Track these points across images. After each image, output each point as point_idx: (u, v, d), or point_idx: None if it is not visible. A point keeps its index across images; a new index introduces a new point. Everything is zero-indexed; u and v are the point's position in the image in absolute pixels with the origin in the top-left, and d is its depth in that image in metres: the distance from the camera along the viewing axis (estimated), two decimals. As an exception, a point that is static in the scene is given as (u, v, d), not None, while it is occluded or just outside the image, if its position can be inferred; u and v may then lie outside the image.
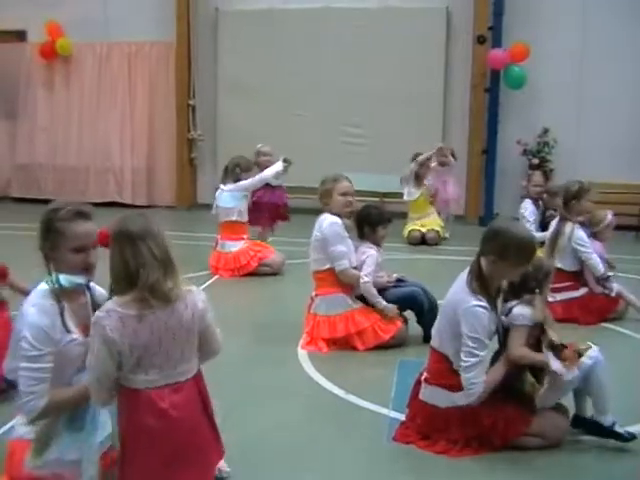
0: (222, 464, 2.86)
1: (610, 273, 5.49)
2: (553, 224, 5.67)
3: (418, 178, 8.44)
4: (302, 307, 4.96)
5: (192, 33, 11.07)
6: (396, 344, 4.70)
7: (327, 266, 4.76)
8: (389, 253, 5.41)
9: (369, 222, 4.86)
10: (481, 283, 3.19)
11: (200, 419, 2.57)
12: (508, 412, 3.20)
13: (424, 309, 4.76)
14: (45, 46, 11.28)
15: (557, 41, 9.77)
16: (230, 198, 6.88)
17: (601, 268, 5.41)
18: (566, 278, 5.35)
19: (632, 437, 3.25)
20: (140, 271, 2.40)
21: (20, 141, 11.91)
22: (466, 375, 3.14)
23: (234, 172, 6.92)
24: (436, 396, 3.29)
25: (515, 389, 3.25)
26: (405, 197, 8.59)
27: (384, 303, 4.72)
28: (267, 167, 7.07)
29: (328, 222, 4.74)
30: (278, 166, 6.94)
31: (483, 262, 3.22)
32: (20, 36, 11.89)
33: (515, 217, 6.57)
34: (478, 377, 3.13)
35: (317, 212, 4.96)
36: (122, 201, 11.47)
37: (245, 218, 6.99)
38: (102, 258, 2.62)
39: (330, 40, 10.44)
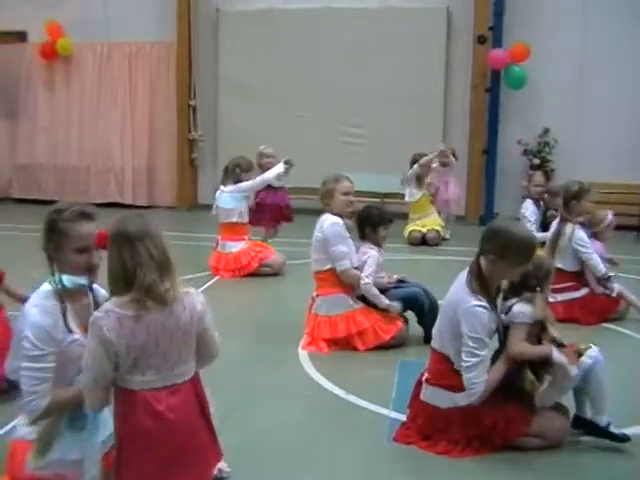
0: (222, 464, 2.86)
1: (611, 273, 5.49)
2: (554, 224, 5.67)
3: (419, 179, 8.44)
4: (303, 307, 4.96)
5: (193, 33, 11.08)
6: (397, 344, 4.71)
7: (328, 266, 4.76)
8: (389, 254, 5.40)
9: (370, 223, 4.87)
10: (481, 283, 3.19)
11: (197, 421, 2.56)
12: (509, 412, 3.20)
13: (425, 309, 4.76)
14: (45, 46, 11.29)
15: (557, 41, 9.77)
16: (230, 199, 6.88)
17: (602, 268, 5.41)
18: (567, 278, 5.36)
19: (626, 438, 3.26)
20: (137, 271, 2.40)
21: (21, 141, 11.91)
22: (467, 375, 3.14)
23: (234, 173, 6.91)
24: (437, 397, 3.30)
25: (515, 387, 3.25)
26: (407, 198, 8.59)
27: (387, 301, 4.72)
28: (269, 169, 7.07)
29: (329, 222, 4.74)
30: (279, 168, 6.94)
31: (483, 262, 3.22)
32: (20, 36, 11.88)
33: (515, 217, 6.57)
34: (479, 377, 3.13)
35: (317, 212, 4.96)
36: (123, 201, 11.46)
37: (246, 219, 6.99)
38: (104, 260, 2.62)
39: (330, 40, 10.44)
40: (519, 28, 9.84)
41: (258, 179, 6.98)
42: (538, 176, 7.31)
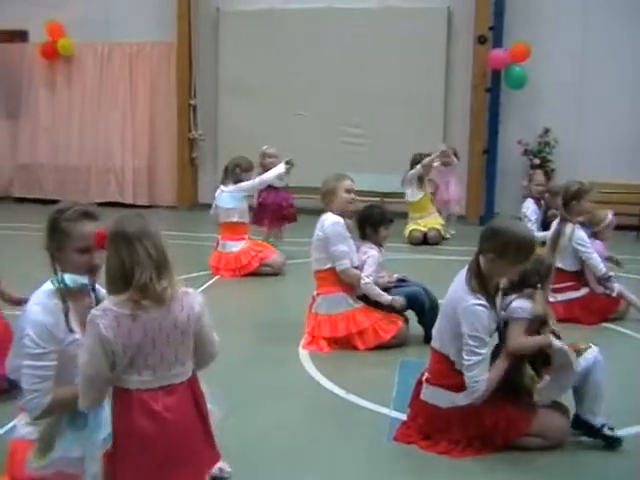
0: (223, 464, 2.85)
1: (611, 273, 5.50)
2: (554, 224, 5.68)
3: (420, 178, 8.44)
4: (303, 307, 4.97)
5: (193, 33, 11.08)
6: (397, 344, 4.71)
7: (328, 265, 4.76)
8: (390, 253, 5.41)
9: (371, 222, 4.87)
10: (480, 281, 3.19)
11: (194, 422, 2.55)
12: (509, 412, 3.20)
13: (425, 309, 4.76)
14: (46, 46, 11.30)
15: (558, 41, 9.77)
16: (230, 199, 6.88)
17: (602, 268, 5.41)
18: (567, 278, 5.36)
19: (620, 441, 3.25)
20: (135, 270, 2.40)
21: (22, 141, 11.92)
22: (469, 374, 3.14)
23: (234, 172, 6.92)
24: (437, 396, 3.30)
25: (514, 382, 3.24)
26: (409, 198, 8.59)
27: (389, 298, 4.72)
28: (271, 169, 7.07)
29: (330, 222, 4.75)
30: (280, 168, 6.94)
31: (482, 260, 3.22)
32: (22, 36, 11.90)
33: (516, 217, 6.57)
34: (481, 375, 3.14)
35: (317, 212, 4.97)
36: (123, 201, 11.47)
37: (246, 218, 6.99)
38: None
39: (330, 40, 10.44)
40: (519, 28, 9.84)
41: (257, 179, 6.99)
42: (539, 175, 7.33)
